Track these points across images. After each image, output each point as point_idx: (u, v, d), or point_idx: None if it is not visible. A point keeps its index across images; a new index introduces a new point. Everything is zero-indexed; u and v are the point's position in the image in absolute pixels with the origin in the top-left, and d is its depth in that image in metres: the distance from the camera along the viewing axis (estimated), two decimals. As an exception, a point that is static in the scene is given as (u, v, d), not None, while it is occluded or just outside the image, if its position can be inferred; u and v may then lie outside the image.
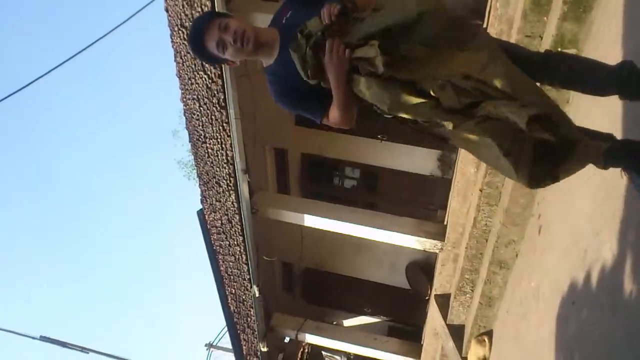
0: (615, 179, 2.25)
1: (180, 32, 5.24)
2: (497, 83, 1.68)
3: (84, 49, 4.63)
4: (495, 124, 1.67)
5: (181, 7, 5.02)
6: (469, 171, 5.12)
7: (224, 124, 5.50)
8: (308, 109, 2.09)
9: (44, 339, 10.02)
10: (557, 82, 2.03)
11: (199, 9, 4.89)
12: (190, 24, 1.87)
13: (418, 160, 8.16)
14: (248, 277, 6.92)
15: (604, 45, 2.84)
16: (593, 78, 1.98)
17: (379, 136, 7.99)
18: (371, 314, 10.64)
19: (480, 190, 4.60)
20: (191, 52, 2.15)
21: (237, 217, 6.28)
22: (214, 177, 6.23)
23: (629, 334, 2.08)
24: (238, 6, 5.28)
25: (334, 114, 2.01)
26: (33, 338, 9.95)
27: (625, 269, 2.19)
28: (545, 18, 3.48)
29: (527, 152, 1.64)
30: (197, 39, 1.97)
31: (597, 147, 1.78)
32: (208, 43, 1.95)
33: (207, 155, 6.12)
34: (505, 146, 1.65)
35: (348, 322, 10.80)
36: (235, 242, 6.62)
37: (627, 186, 2.25)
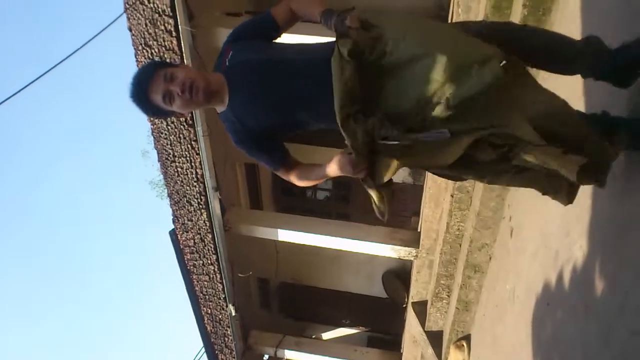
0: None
1: (144, 51, 5.18)
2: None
3: (48, 71, 4.53)
4: (530, 174, 1.73)
5: (144, 26, 4.98)
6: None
7: (193, 142, 5.46)
8: (264, 159, 2.02)
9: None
10: (521, 57, 1.80)
11: (162, 28, 4.86)
12: (133, 75, 1.82)
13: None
14: (223, 296, 6.83)
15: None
16: (560, 54, 1.87)
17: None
18: (350, 325, 10.61)
19: (452, 196, 4.64)
20: (135, 106, 1.84)
21: (210, 236, 6.21)
22: (185, 196, 6.15)
23: (602, 334, 2.10)
24: (201, 22, 5.25)
25: (302, 180, 2.04)
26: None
27: (595, 268, 2.23)
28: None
29: (564, 184, 1.74)
30: (141, 91, 1.80)
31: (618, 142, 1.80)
32: (153, 95, 1.79)
33: (176, 174, 6.05)
34: (544, 189, 1.76)
35: (327, 335, 10.75)
36: (209, 261, 6.54)
37: (596, 191, 2.29)
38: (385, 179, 1.82)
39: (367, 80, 1.72)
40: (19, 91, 4.36)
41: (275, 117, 1.89)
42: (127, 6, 4.98)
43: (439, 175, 2.02)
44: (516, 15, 3.38)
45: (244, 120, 1.90)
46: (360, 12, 1.76)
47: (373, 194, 1.91)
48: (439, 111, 1.63)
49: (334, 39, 1.77)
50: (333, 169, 1.93)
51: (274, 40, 1.97)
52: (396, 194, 1.94)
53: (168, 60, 4.93)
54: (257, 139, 1.94)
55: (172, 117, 1.81)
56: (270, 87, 1.83)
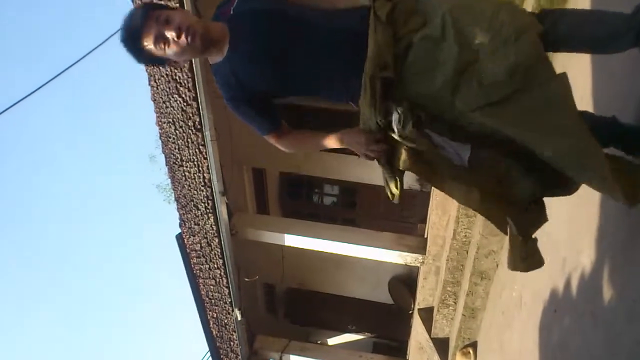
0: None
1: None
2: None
3: (56, 76, 4.58)
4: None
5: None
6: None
7: (200, 147, 5.47)
8: (255, 122, 1.88)
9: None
10: (561, 46, 1.67)
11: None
12: (124, 17, 1.65)
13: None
14: (229, 300, 6.83)
15: None
16: (604, 31, 1.63)
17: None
18: (356, 331, 10.58)
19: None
20: (126, 51, 1.67)
21: (217, 240, 6.22)
22: (192, 201, 6.17)
23: (609, 342, 2.09)
24: (204, 12, 5.25)
25: (294, 147, 1.96)
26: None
27: (603, 276, 2.22)
28: None
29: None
30: (132, 35, 1.65)
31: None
32: (145, 39, 1.64)
33: (184, 179, 6.07)
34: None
35: (333, 341, 10.72)
36: (216, 265, 6.55)
37: (604, 196, 2.29)
38: (402, 167, 1.75)
39: (395, 54, 1.62)
40: (28, 95, 4.40)
41: (277, 77, 1.75)
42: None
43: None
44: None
45: (241, 75, 1.74)
46: None
47: (388, 179, 1.85)
48: (468, 95, 1.54)
49: (359, 5, 1.70)
50: (336, 141, 1.85)
51: None
52: (404, 195, 1.91)
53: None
54: (251, 98, 1.79)
55: (167, 67, 1.64)
56: (280, 42, 1.69)
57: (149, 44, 1.64)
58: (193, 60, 4.93)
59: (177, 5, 4.42)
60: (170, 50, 1.65)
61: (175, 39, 1.62)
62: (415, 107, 1.65)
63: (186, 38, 1.62)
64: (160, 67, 4.77)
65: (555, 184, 1.73)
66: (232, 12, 1.73)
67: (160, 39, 1.62)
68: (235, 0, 1.74)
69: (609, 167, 1.49)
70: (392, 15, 1.62)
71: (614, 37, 1.63)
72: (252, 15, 1.70)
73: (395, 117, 1.64)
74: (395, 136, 1.67)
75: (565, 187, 1.77)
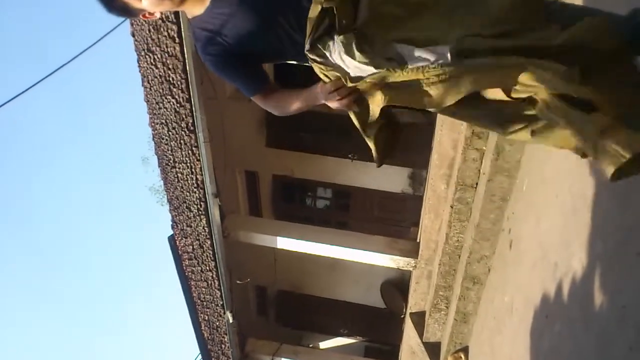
0: (584, 191, 2.30)
1: (147, 56, 5.19)
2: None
3: (48, 75, 4.54)
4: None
5: (147, 32, 4.99)
6: (440, 188, 5.17)
7: (193, 148, 5.46)
8: (240, 82, 1.76)
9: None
10: None
11: (166, 34, 4.87)
12: None
13: (389, 178, 8.22)
14: (221, 302, 6.81)
15: None
16: None
17: (350, 155, 8.03)
18: (347, 335, 10.56)
19: (451, 207, 4.64)
20: (97, 1, 1.55)
21: (209, 242, 6.19)
22: (184, 202, 6.15)
23: (601, 347, 2.09)
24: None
25: (280, 110, 1.77)
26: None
27: (594, 281, 2.22)
28: None
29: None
30: None
31: None
32: None
33: (176, 180, 6.04)
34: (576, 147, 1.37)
35: (324, 344, 10.70)
36: (208, 268, 6.52)
37: (596, 198, 2.29)
38: (374, 115, 1.55)
39: None
40: (19, 94, 4.36)
41: (265, 36, 1.61)
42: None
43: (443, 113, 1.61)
44: None
45: (225, 29, 1.60)
46: None
47: (365, 138, 1.64)
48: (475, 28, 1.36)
49: None
50: (307, 97, 1.69)
51: None
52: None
53: (170, 66, 4.95)
54: (234, 57, 1.65)
55: (139, 17, 1.51)
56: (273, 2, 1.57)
57: None
58: (187, 62, 4.91)
59: (174, 20, 4.44)
60: (146, 1, 1.53)
61: None
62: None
63: None
64: (132, 18, 4.51)
65: None
66: None
67: None
68: None
69: None
70: None
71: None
72: None
73: (338, 46, 1.46)
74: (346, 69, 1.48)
75: None
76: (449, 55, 1.39)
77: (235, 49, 1.62)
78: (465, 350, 5.04)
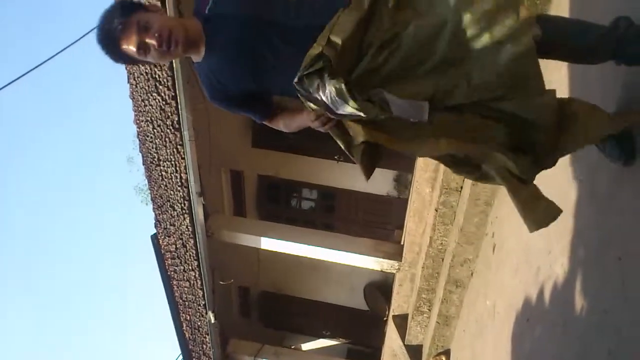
0: (565, 196, 2.32)
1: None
2: None
3: (30, 71, 4.47)
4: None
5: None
6: (425, 191, 5.19)
7: (178, 146, 5.41)
8: (248, 114, 1.90)
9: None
10: (543, 52, 1.62)
11: None
12: (101, 17, 1.62)
13: (374, 180, 8.16)
14: (203, 302, 6.76)
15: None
16: (584, 45, 1.65)
17: (335, 157, 8.04)
18: (330, 337, 10.56)
19: (436, 210, 4.65)
20: (104, 53, 1.66)
21: (192, 241, 6.15)
22: (168, 201, 6.10)
23: (580, 352, 2.11)
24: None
25: (288, 129, 1.89)
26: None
27: (576, 286, 2.24)
28: None
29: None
30: (111, 40, 1.62)
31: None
32: (125, 46, 1.61)
33: (161, 178, 5.99)
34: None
35: (307, 346, 10.69)
36: (190, 267, 6.48)
37: (577, 203, 2.31)
38: (357, 140, 1.68)
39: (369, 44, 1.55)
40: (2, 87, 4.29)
41: (255, 81, 1.74)
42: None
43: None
44: None
45: (221, 78, 1.74)
46: None
47: (351, 157, 1.79)
48: (458, 94, 1.53)
49: None
50: (302, 120, 1.81)
51: None
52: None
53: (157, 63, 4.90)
54: (234, 97, 1.80)
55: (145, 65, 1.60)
56: (256, 47, 1.65)
57: (128, 47, 1.62)
58: (173, 59, 4.88)
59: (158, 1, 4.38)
60: (151, 57, 1.65)
61: (156, 47, 1.61)
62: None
63: (167, 46, 1.61)
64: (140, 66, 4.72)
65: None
66: (207, 12, 1.69)
67: (142, 47, 1.61)
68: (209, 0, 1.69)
69: None
70: (376, 3, 1.55)
71: (592, 52, 1.67)
72: (224, 22, 1.67)
73: (329, 92, 1.53)
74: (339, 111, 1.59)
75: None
76: (426, 116, 1.55)
77: (233, 91, 1.77)
78: (447, 353, 5.06)
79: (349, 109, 1.54)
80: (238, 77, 1.73)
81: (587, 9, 2.61)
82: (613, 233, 1.98)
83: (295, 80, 1.55)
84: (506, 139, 1.62)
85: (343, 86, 1.50)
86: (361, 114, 1.55)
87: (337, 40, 1.49)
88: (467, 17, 1.47)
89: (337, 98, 1.52)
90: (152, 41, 1.60)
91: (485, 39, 1.47)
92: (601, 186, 2.04)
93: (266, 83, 1.75)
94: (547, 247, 2.67)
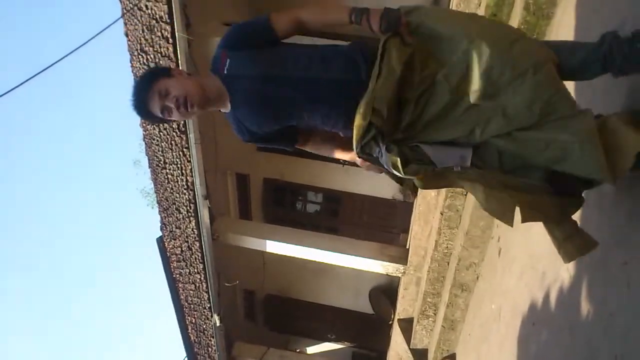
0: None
1: (140, 56, 5.18)
2: None
3: (38, 74, 4.48)
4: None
5: (141, 32, 4.99)
6: (430, 194, 5.18)
7: (184, 149, 5.44)
8: (279, 146, 2.11)
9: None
10: None
11: (159, 34, 4.87)
12: (133, 86, 1.91)
13: (380, 184, 8.23)
14: (209, 305, 6.78)
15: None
16: (576, 62, 1.79)
17: (341, 160, 8.02)
18: (335, 340, 10.54)
19: (441, 214, 4.65)
20: (140, 117, 2.01)
21: (198, 244, 6.17)
22: (174, 204, 6.12)
23: (586, 356, 2.10)
24: (198, 30, 5.27)
25: (319, 150, 2.14)
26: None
27: (582, 290, 2.23)
28: None
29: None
30: (141, 106, 1.90)
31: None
32: (153, 110, 1.88)
33: (166, 181, 6.02)
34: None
35: (312, 349, 10.67)
36: (196, 270, 6.49)
37: (584, 207, 2.31)
38: (417, 186, 1.89)
39: (406, 99, 1.72)
40: (6, 93, 4.29)
41: (277, 123, 1.95)
42: (125, 11, 4.99)
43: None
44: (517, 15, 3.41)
45: (248, 125, 1.97)
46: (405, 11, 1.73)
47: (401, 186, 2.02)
48: (495, 126, 1.67)
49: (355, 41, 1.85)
50: (343, 155, 2.11)
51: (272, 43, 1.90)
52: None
53: (164, 65, 4.93)
54: (264, 138, 2.03)
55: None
56: (275, 103, 1.87)
57: (155, 112, 1.89)
58: (179, 62, 4.92)
59: (168, 20, 4.45)
60: (175, 116, 1.90)
61: (175, 110, 1.85)
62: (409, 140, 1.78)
63: (185, 108, 1.84)
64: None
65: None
66: (225, 72, 1.88)
67: (165, 110, 1.87)
68: (227, 58, 1.88)
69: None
70: (410, 60, 1.70)
71: (584, 68, 1.80)
72: (241, 82, 1.86)
73: (383, 160, 1.77)
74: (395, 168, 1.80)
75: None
76: (468, 163, 1.75)
77: (261, 134, 2.00)
78: (452, 357, 5.05)
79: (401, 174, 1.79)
80: (262, 124, 1.95)
81: (593, 14, 2.61)
82: (619, 237, 1.97)
83: (358, 150, 1.81)
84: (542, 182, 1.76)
85: (399, 161, 1.74)
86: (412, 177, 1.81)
87: (382, 109, 1.68)
88: (485, 55, 1.62)
89: (391, 166, 1.77)
90: (170, 104, 1.84)
91: (508, 73, 1.61)
92: (609, 191, 2.03)
93: (287, 121, 1.95)
94: (553, 251, 2.65)
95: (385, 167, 1.81)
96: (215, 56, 1.92)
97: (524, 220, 1.75)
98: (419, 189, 2.06)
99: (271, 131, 1.98)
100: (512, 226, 1.75)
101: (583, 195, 1.84)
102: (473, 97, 1.65)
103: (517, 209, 1.73)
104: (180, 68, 1.89)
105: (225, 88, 1.89)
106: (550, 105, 1.61)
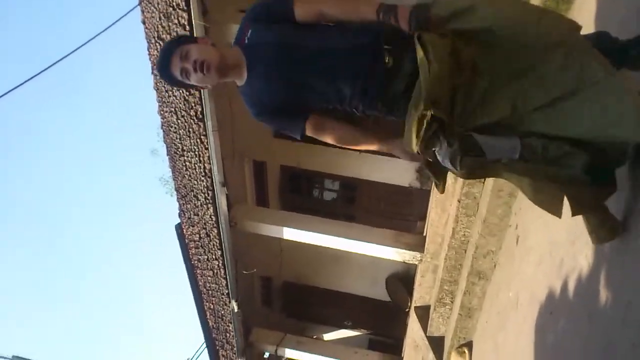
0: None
1: (157, 44, 5.21)
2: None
3: (55, 63, 4.53)
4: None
5: (158, 20, 5.00)
6: (447, 182, 5.14)
7: (202, 137, 5.47)
8: (286, 129, 2.12)
9: (17, 358, 9.76)
10: None
11: (176, 21, 4.88)
12: (160, 50, 2.06)
13: (397, 171, 8.20)
14: (227, 291, 6.85)
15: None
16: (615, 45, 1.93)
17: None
18: (351, 327, 10.59)
19: (459, 201, 4.62)
20: (162, 78, 2.11)
21: (215, 231, 6.22)
22: (192, 191, 6.17)
23: (604, 344, 2.08)
24: (215, 18, 5.27)
25: (332, 140, 2.08)
26: (5, 358, 9.69)
27: (600, 278, 2.21)
28: None
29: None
30: (163, 67, 1.98)
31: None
32: (173, 71, 1.96)
33: (184, 169, 6.07)
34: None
35: (328, 336, 10.74)
36: (214, 256, 6.56)
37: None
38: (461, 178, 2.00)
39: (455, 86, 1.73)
40: (23, 83, 4.34)
41: (293, 97, 1.97)
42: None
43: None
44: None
45: (262, 96, 2.01)
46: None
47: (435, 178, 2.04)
48: (535, 97, 1.68)
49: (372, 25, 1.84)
50: (381, 146, 2.05)
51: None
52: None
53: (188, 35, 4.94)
54: (274, 112, 2.05)
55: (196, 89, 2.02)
56: (294, 71, 1.90)
57: (176, 75, 1.96)
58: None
59: (185, 7, 4.46)
60: (192, 80, 1.96)
61: (193, 72, 1.92)
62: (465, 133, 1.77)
63: (201, 71, 1.90)
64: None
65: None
66: (246, 42, 1.96)
67: (183, 72, 1.94)
68: (249, 29, 1.96)
69: None
70: (453, 51, 1.72)
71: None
72: (261, 49, 1.93)
73: (443, 153, 1.76)
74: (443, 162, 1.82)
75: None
76: (517, 155, 1.75)
77: (272, 107, 2.03)
78: (469, 345, 5.03)
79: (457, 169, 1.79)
80: (275, 92, 1.98)
81: (609, 9, 2.55)
82: (638, 224, 1.94)
83: (421, 146, 1.76)
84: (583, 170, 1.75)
85: (459, 158, 1.74)
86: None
87: (439, 100, 1.68)
88: (517, 27, 1.67)
89: (449, 162, 1.77)
90: (188, 66, 1.91)
91: (540, 45, 1.67)
92: (627, 177, 2.00)
93: (299, 93, 1.96)
94: (571, 239, 2.63)
95: (442, 161, 1.81)
96: (239, 28, 2.01)
97: (574, 214, 1.81)
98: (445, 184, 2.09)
99: (281, 106, 2.01)
100: (560, 217, 1.78)
101: (616, 181, 1.85)
102: (509, 73, 1.70)
103: (565, 202, 1.76)
104: (206, 37, 1.99)
105: (245, 57, 1.96)
106: (583, 70, 1.63)
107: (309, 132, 2.08)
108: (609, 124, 1.64)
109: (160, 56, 2.00)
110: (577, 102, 1.66)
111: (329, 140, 2.10)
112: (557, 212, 1.76)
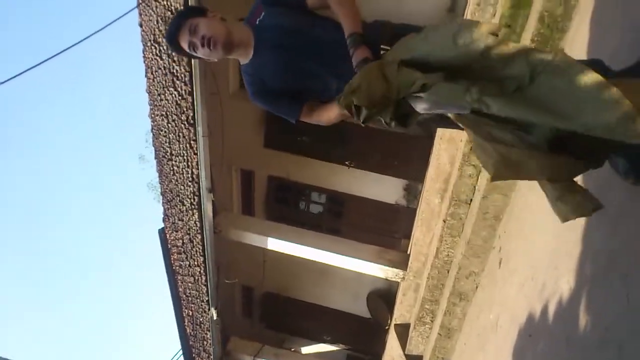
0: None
1: (153, 47, 5.20)
2: None
3: (46, 60, 4.50)
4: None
5: (155, 23, 5.00)
6: (434, 202, 5.18)
7: (191, 142, 5.45)
8: (282, 112, 2.16)
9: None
10: None
11: (173, 25, 4.87)
12: (171, 19, 2.15)
13: (384, 188, 8.23)
14: (207, 299, 6.78)
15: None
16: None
17: (346, 162, 8.04)
18: (330, 342, 10.53)
19: (444, 221, 4.65)
20: (170, 47, 2.20)
21: (199, 237, 6.18)
22: (178, 195, 6.13)
23: (582, 368, 2.10)
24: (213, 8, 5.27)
25: (326, 117, 2.07)
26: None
27: (580, 302, 2.23)
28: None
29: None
30: (172, 38, 2.06)
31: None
32: (182, 43, 2.04)
33: (172, 173, 6.04)
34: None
35: (306, 350, 10.66)
36: (196, 263, 6.50)
37: (585, 220, 2.31)
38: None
39: None
40: (16, 76, 4.30)
41: (294, 81, 2.05)
42: (140, 2, 5.01)
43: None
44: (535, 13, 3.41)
45: (263, 75, 2.08)
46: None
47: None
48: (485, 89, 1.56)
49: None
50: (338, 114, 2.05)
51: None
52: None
53: (175, 58, 4.95)
54: (272, 92, 2.11)
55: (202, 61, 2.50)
56: (298, 55, 1.99)
57: (183, 44, 2.04)
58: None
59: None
60: (199, 53, 2.04)
61: (200, 47, 2.00)
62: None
63: (208, 47, 1.99)
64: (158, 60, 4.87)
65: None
66: (257, 23, 2.05)
67: (191, 45, 2.02)
68: (262, 11, 2.05)
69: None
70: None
71: None
72: (272, 30, 2.02)
73: (434, 101, 1.65)
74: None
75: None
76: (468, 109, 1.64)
77: (271, 86, 2.09)
78: (446, 365, 5.04)
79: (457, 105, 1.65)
80: (278, 73, 2.05)
81: (608, 29, 2.61)
82: (619, 252, 1.97)
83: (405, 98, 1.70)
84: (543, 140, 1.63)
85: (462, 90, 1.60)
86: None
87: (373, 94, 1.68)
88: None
89: (445, 100, 1.64)
90: (196, 41, 1.99)
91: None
92: (611, 204, 2.03)
93: (300, 78, 2.04)
94: (554, 263, 2.66)
95: (430, 106, 1.69)
96: (252, 9, 2.11)
97: (493, 179, 1.72)
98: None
99: (282, 89, 2.07)
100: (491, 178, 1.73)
101: (603, 159, 1.76)
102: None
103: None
104: (216, 10, 2.03)
105: (254, 37, 2.05)
106: (530, 55, 1.52)
107: (303, 117, 2.13)
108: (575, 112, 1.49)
109: (170, 27, 2.07)
110: (535, 87, 1.52)
111: (323, 120, 2.11)
112: (489, 172, 1.72)
